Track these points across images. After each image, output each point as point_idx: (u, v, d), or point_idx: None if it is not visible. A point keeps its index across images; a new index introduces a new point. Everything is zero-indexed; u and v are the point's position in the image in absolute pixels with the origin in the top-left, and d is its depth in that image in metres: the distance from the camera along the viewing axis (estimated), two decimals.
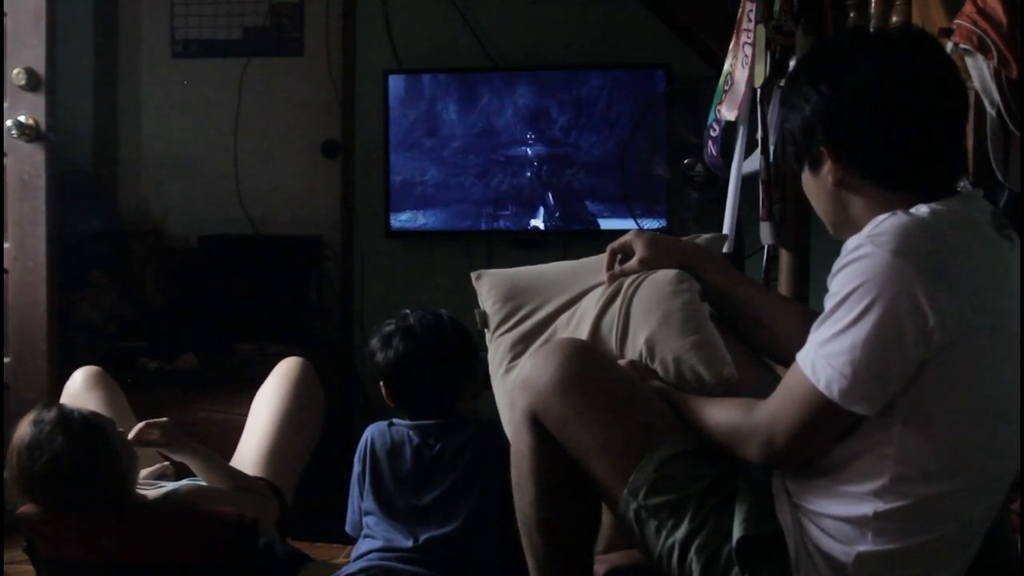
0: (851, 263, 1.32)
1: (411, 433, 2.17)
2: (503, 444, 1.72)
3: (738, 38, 2.54)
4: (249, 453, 2.38)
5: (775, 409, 1.41)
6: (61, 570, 2.13)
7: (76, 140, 4.03)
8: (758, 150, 2.52)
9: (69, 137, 3.76)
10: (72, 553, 2.10)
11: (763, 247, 2.65)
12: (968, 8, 1.74)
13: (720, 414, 1.51)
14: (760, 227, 2.51)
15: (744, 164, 2.57)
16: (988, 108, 1.73)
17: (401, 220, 3.97)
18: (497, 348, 1.83)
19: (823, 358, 1.34)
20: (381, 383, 2.22)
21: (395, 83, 3.94)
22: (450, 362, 2.18)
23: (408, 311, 2.23)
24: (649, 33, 3.91)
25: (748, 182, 2.63)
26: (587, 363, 1.56)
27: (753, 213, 2.58)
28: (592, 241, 3.62)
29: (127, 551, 2.10)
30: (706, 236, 1.84)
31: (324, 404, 2.53)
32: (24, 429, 2.04)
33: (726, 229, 2.58)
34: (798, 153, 1.50)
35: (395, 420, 2.22)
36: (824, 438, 1.40)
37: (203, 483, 2.21)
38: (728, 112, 2.57)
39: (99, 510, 2.07)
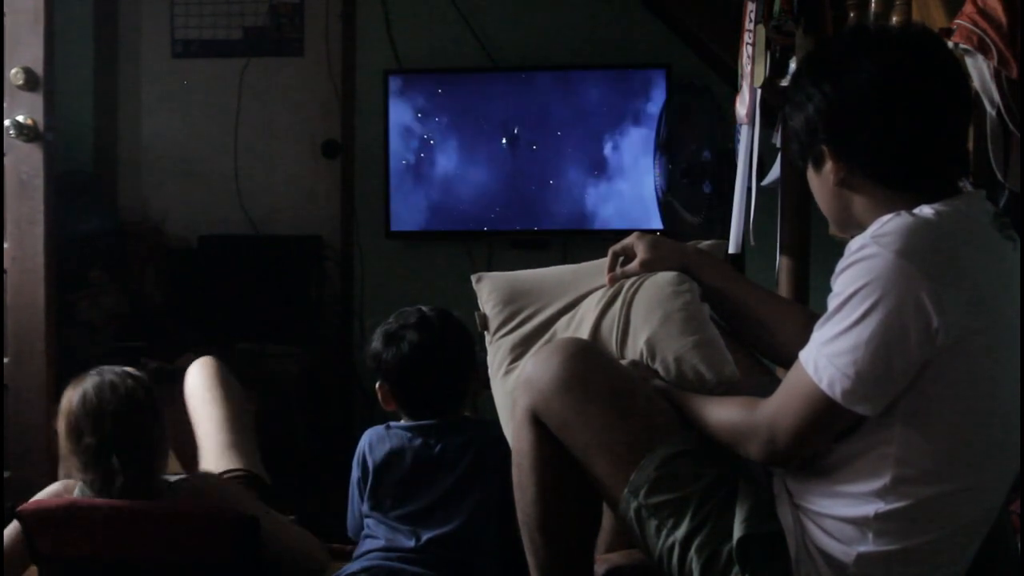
0: (855, 263, 1.32)
1: (411, 434, 2.15)
2: (503, 444, 1.72)
3: (743, 38, 2.55)
4: (211, 454, 2.40)
5: (777, 408, 1.41)
6: (61, 568, 2.13)
7: (76, 140, 4.03)
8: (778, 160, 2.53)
9: (69, 137, 3.76)
10: (72, 551, 2.09)
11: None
12: (968, 8, 1.74)
13: (722, 412, 1.50)
14: None
15: (770, 173, 2.57)
16: (988, 108, 1.73)
17: (401, 220, 3.96)
18: (497, 350, 1.83)
19: (826, 357, 1.34)
20: (379, 384, 2.18)
21: (395, 83, 3.94)
22: (459, 358, 2.16)
23: (408, 309, 2.19)
24: (649, 33, 3.91)
25: (769, 191, 2.65)
26: (588, 362, 1.55)
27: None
28: (592, 241, 3.62)
29: (127, 549, 2.09)
30: (708, 242, 1.84)
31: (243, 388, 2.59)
32: (80, 388, 2.00)
33: (733, 230, 2.58)
34: (801, 151, 1.50)
35: (391, 423, 2.20)
36: (826, 437, 1.40)
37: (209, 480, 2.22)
38: (741, 111, 2.58)
39: (126, 483, 2.03)
